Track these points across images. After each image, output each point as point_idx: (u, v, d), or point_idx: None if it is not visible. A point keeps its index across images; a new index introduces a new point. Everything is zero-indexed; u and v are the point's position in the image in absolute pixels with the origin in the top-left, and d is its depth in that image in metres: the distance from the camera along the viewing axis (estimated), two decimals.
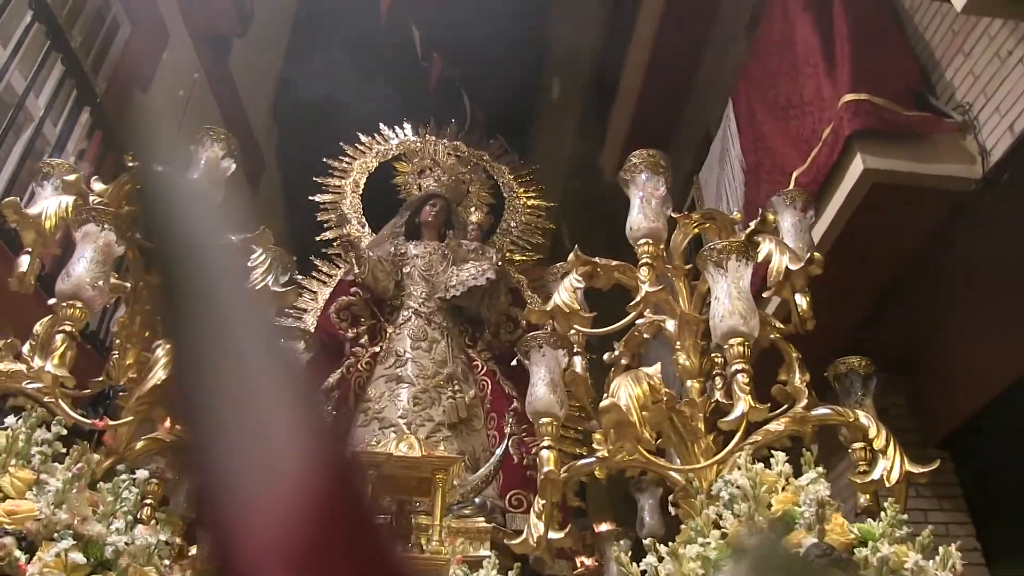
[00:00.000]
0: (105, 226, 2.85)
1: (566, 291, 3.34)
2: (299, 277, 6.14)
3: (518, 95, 9.46)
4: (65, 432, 2.67)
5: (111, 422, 2.85)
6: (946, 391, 4.68)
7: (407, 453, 3.19)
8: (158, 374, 2.71)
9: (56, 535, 2.36)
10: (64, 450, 2.66)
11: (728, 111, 5.68)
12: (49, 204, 3.00)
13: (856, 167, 4.10)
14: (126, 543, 2.50)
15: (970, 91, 4.11)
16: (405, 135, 6.84)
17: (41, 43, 5.24)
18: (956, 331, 4.46)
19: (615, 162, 7.63)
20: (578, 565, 4.83)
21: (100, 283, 2.78)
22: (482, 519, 4.76)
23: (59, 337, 2.70)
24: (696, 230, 3.55)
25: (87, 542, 2.46)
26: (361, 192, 6.55)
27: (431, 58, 8.83)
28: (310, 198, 6.46)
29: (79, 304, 2.73)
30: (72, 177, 3.11)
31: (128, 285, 3.33)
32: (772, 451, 2.86)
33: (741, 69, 5.93)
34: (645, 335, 3.56)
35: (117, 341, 3.32)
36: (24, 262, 3.00)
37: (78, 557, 2.34)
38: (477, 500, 4.87)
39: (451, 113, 7.09)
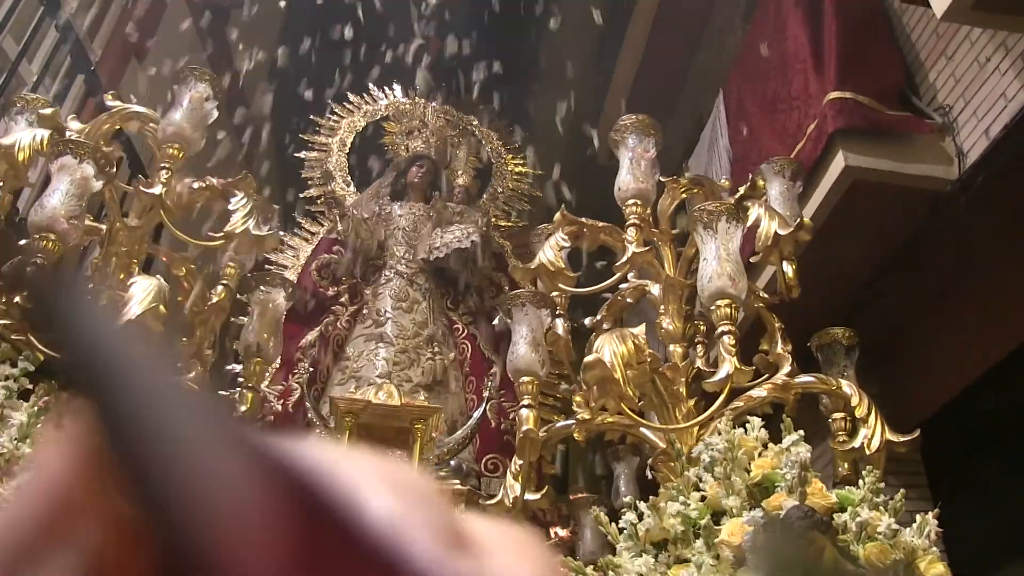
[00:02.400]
0: (84, 159, 2.76)
1: (551, 249, 3.29)
2: (282, 235, 6.09)
3: (516, 75, 9.37)
4: (32, 369, 2.62)
5: None
6: (918, 384, 4.73)
7: (386, 401, 3.13)
8: (132, 309, 2.64)
9: (16, 470, 2.31)
10: (31, 387, 2.61)
11: (719, 101, 5.71)
12: (23, 136, 2.90)
13: (838, 164, 4.17)
14: None
15: (951, 94, 4.22)
16: (395, 96, 6.76)
17: (35, 8, 5.12)
18: (930, 326, 4.52)
19: (607, 149, 7.65)
20: (552, 536, 4.81)
21: (75, 217, 2.70)
22: (457, 482, 4.73)
23: (30, 270, 2.62)
24: (684, 195, 3.53)
25: None
26: (348, 152, 6.47)
27: (429, 37, 8.74)
28: (295, 154, 6.38)
29: (52, 236, 2.65)
30: (48, 111, 3.02)
31: (104, 227, 3.26)
32: (749, 417, 2.85)
33: (734, 59, 5.98)
34: (628, 299, 3.53)
35: (91, 285, 3.25)
36: None
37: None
38: (453, 463, 4.83)
39: (451, 92, 7.00)
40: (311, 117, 6.54)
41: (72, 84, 5.59)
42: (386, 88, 6.78)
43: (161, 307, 2.69)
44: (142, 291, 2.71)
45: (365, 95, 6.73)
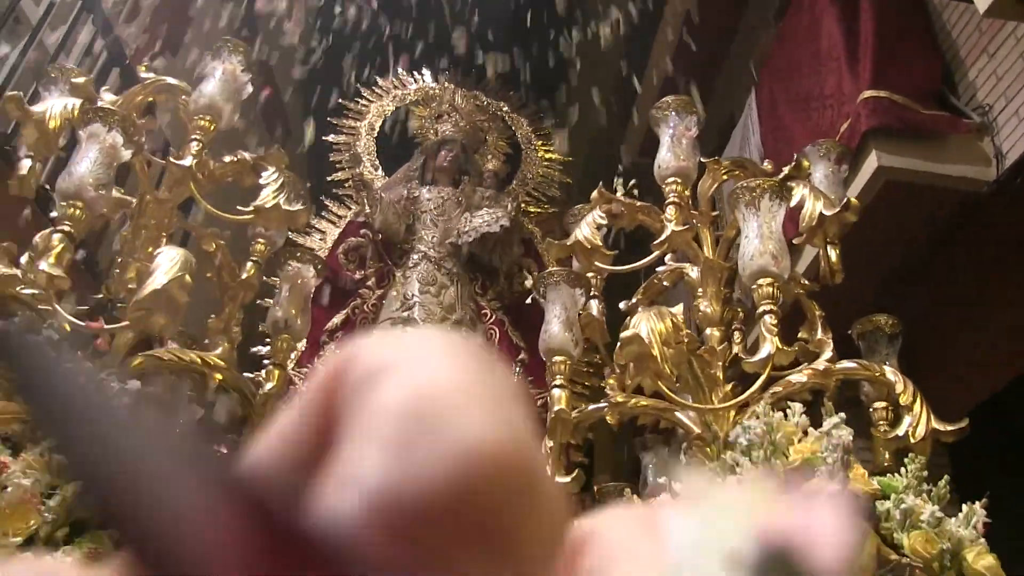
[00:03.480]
0: (112, 127, 2.72)
1: (588, 226, 3.22)
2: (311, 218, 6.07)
3: (546, 75, 9.33)
4: (56, 337, 2.58)
5: (106, 325, 2.73)
6: (946, 387, 4.66)
7: None
8: (157, 279, 2.59)
9: (41, 434, 2.28)
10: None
11: (751, 99, 5.66)
12: (55, 104, 2.86)
13: (871, 164, 4.13)
14: None
15: (991, 93, 4.14)
16: (424, 81, 6.71)
17: (73, 2, 5.24)
18: (959, 329, 4.46)
19: (636, 145, 7.66)
20: None
21: (103, 185, 2.66)
22: None
23: (56, 237, 2.58)
24: (725, 176, 3.44)
25: None
26: (376, 136, 6.43)
27: (460, 30, 8.71)
28: (324, 138, 6.34)
29: (80, 204, 2.61)
30: (80, 80, 2.98)
31: (134, 200, 3.22)
32: (789, 403, 2.77)
33: (767, 57, 5.93)
34: (665, 283, 3.45)
35: (119, 259, 3.21)
36: (25, 165, 2.87)
37: (63, 458, 2.24)
38: None
39: (479, 80, 6.93)
40: (340, 101, 6.50)
41: (108, 78, 5.64)
42: (415, 73, 6.72)
43: (187, 276, 2.64)
44: (168, 261, 2.66)
45: (394, 79, 6.68)
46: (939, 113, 4.18)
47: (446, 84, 6.61)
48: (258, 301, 4.17)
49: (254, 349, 4.53)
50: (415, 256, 5.56)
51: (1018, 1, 3.38)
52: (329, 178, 6.18)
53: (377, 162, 6.29)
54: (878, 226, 4.26)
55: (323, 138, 6.38)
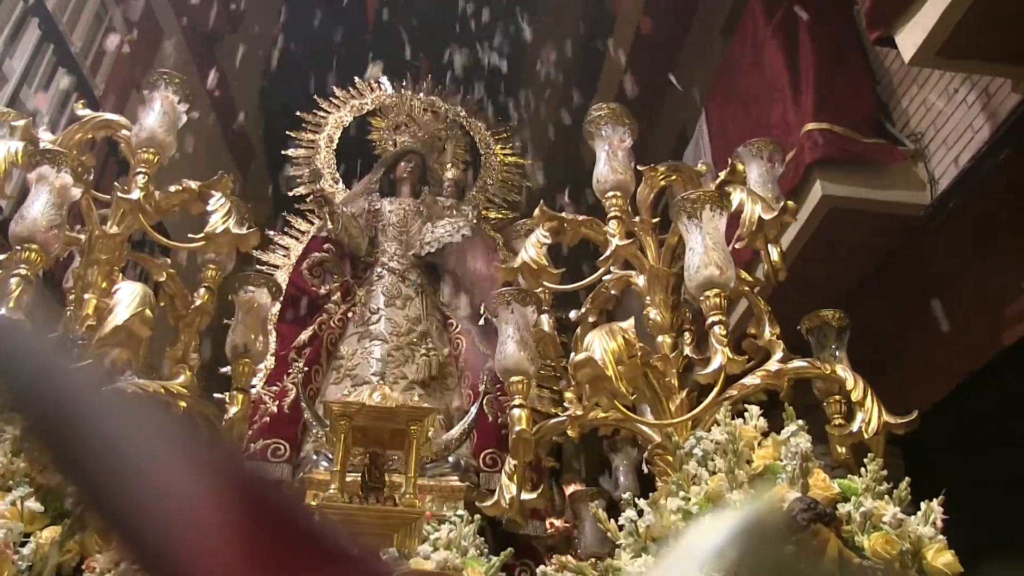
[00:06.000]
0: (61, 168, 2.72)
1: (533, 247, 3.26)
2: (272, 234, 6.03)
3: (501, 92, 9.38)
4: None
5: None
6: (898, 393, 4.76)
7: (380, 403, 3.08)
8: (119, 315, 2.60)
9: (12, 484, 2.28)
10: None
11: (701, 121, 5.80)
12: None
13: (815, 193, 4.39)
14: None
15: (922, 121, 4.41)
16: (382, 90, 6.67)
17: (44, 48, 5.58)
18: (907, 340, 4.65)
19: (591, 159, 7.77)
20: (548, 527, 4.76)
21: (56, 226, 2.66)
22: (456, 478, 4.69)
23: (14, 280, 2.58)
24: (663, 182, 3.49)
25: (46, 492, 2.38)
26: (335, 148, 6.39)
27: (419, 58, 8.73)
28: (282, 152, 6.31)
29: (35, 247, 2.61)
30: (20, 123, 2.98)
31: (83, 237, 3.22)
32: (747, 406, 2.82)
33: (715, 77, 6.09)
34: (612, 291, 3.50)
35: (72, 296, 3.20)
36: None
37: (35, 506, 2.26)
38: (451, 459, 4.79)
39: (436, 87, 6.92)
40: (297, 114, 6.45)
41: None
42: (372, 82, 6.68)
43: (147, 311, 2.65)
44: (128, 296, 2.67)
45: (351, 89, 6.63)
46: (878, 141, 4.41)
47: (403, 93, 6.58)
48: (225, 321, 4.17)
49: (224, 369, 4.51)
50: (379, 269, 5.57)
51: (938, 53, 3.61)
52: (290, 193, 6.15)
53: (337, 175, 6.26)
54: (825, 252, 4.55)
55: (283, 152, 6.34)
